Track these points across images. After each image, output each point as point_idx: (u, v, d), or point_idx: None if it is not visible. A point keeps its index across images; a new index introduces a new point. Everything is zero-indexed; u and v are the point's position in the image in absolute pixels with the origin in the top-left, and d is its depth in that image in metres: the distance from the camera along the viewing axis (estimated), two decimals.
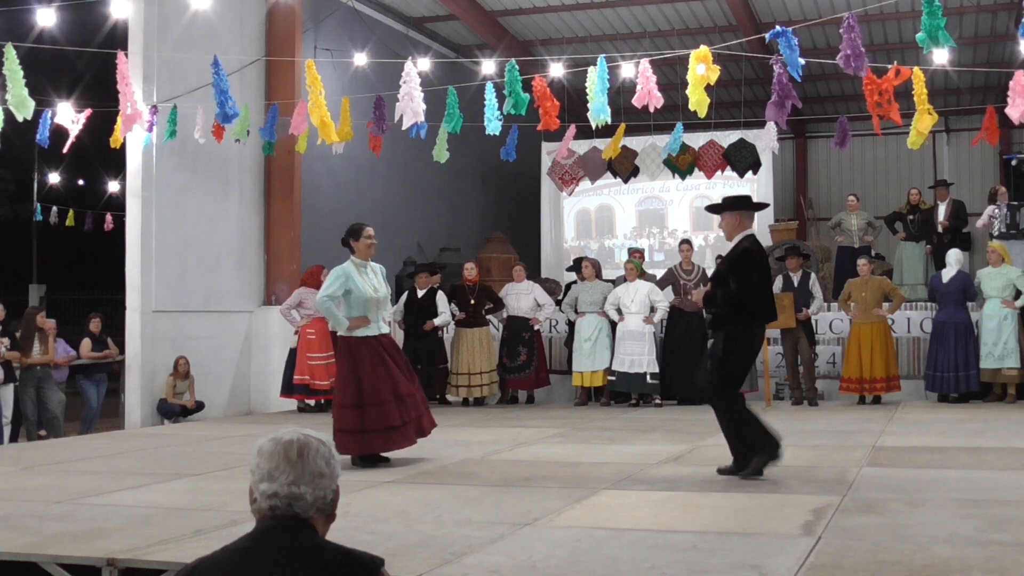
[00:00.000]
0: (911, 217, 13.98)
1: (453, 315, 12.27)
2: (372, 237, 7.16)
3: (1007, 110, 8.19)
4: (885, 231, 15.01)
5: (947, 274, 11.57)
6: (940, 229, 13.59)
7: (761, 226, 14.45)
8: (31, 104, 9.52)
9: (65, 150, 10.90)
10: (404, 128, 10.09)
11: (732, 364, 6.31)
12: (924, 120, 8.65)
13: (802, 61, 8.08)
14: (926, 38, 7.43)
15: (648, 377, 11.56)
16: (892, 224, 14.47)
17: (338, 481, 2.35)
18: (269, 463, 2.30)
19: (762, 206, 7.14)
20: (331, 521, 2.37)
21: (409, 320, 12.03)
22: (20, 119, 9.57)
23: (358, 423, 6.84)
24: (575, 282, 12.81)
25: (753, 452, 6.23)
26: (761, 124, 12.76)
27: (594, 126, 9.20)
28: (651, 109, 9.01)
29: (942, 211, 13.74)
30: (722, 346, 6.31)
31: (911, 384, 11.85)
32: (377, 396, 6.85)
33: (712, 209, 6.84)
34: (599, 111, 9.04)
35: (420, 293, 12.07)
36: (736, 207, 6.56)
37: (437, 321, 11.94)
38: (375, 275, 7.19)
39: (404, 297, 12.23)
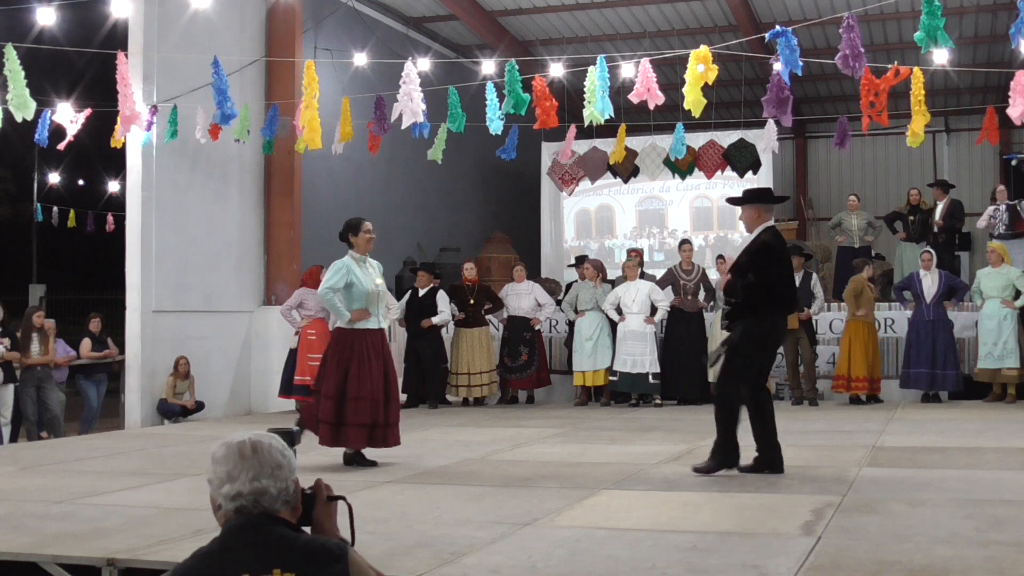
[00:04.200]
0: (911, 218, 13.97)
1: (453, 315, 12.27)
2: (371, 231, 7.17)
3: (1008, 110, 8.19)
4: (885, 231, 14.99)
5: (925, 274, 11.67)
6: (935, 229, 13.58)
7: None
8: (32, 104, 9.50)
9: (60, 147, 10.89)
10: (404, 128, 10.10)
11: (744, 358, 6.41)
12: (917, 120, 8.67)
13: (801, 62, 8.10)
14: (925, 38, 7.44)
15: (650, 377, 11.57)
16: (892, 224, 14.44)
17: (296, 473, 2.35)
18: (226, 466, 2.30)
19: (782, 199, 7.47)
20: (297, 514, 2.37)
21: (410, 319, 12.03)
22: (19, 119, 9.56)
23: (334, 415, 6.83)
24: (576, 281, 12.82)
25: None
26: (761, 124, 12.75)
27: (589, 123, 9.19)
28: (651, 106, 9.02)
29: (939, 211, 13.74)
30: (737, 339, 6.43)
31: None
32: (358, 391, 6.84)
33: (733, 201, 6.98)
34: (602, 108, 9.04)
35: (421, 292, 12.08)
36: (755, 200, 6.70)
37: (435, 319, 11.92)
38: (374, 270, 7.20)
39: (407, 296, 12.23)
